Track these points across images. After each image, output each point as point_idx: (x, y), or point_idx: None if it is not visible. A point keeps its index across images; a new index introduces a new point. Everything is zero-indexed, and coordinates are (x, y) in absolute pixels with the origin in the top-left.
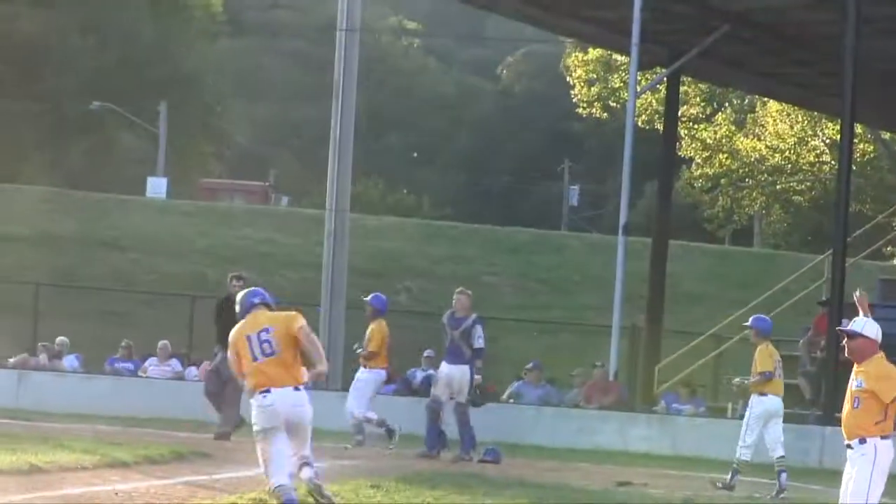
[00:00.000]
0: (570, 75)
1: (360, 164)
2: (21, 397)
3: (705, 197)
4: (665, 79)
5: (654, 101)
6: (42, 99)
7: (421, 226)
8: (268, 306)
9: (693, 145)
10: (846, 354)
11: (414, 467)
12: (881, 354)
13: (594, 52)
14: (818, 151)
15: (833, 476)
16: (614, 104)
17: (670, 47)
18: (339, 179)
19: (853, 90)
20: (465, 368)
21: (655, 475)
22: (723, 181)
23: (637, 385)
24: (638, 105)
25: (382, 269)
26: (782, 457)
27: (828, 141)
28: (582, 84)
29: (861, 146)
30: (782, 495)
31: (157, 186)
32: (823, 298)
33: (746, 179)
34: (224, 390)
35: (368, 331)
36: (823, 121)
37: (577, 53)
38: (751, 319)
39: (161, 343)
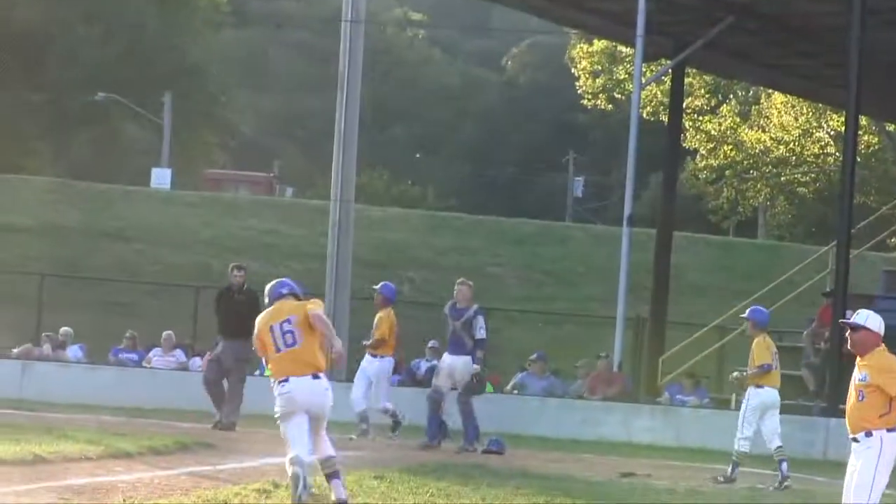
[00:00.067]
0: (575, 67)
1: (365, 156)
2: (25, 388)
3: (710, 188)
4: (670, 70)
5: (658, 92)
6: (46, 89)
7: (425, 217)
8: (296, 297)
9: (698, 137)
10: (849, 347)
11: (417, 458)
12: (883, 347)
13: (599, 44)
14: (823, 143)
15: (837, 468)
16: (619, 95)
17: (675, 39)
18: (344, 170)
19: (858, 82)
20: (468, 359)
21: (659, 466)
22: (727, 173)
23: (641, 376)
24: (643, 96)
25: (387, 260)
26: (780, 447)
27: (832, 133)
28: (587, 75)
29: (866, 138)
30: (786, 483)
31: (161, 177)
32: (827, 290)
33: (751, 171)
34: (227, 380)
35: (376, 318)
36: (828, 112)
37: (582, 45)
38: (748, 311)
39: (165, 334)
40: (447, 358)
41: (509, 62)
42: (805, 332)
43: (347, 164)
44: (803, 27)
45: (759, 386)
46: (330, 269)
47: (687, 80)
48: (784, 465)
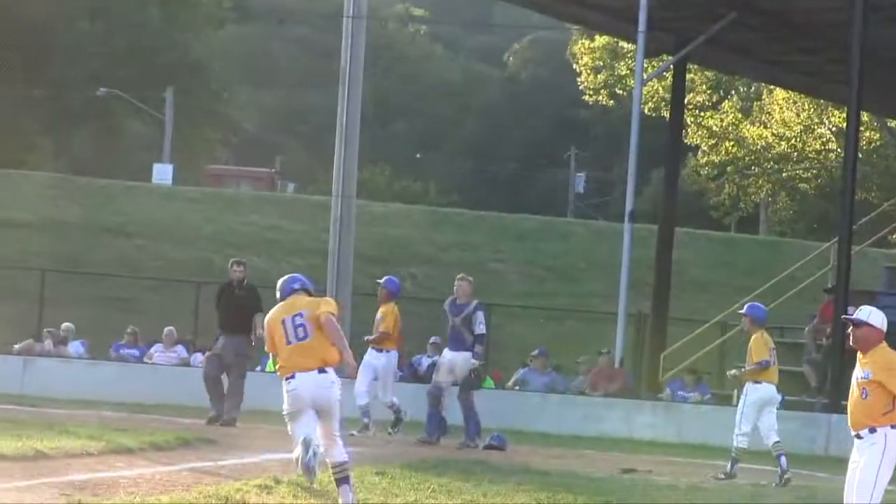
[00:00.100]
0: (577, 62)
1: (367, 151)
2: (26, 383)
3: (711, 184)
4: (671, 66)
5: (660, 88)
6: (48, 85)
7: (427, 212)
8: (307, 292)
9: (699, 133)
10: (851, 343)
11: (418, 454)
12: (885, 344)
13: (601, 40)
14: (824, 139)
15: (839, 463)
16: (621, 91)
17: (677, 35)
18: (346, 166)
19: (860, 78)
20: (468, 355)
21: (660, 462)
22: (729, 169)
23: (643, 372)
24: (644, 92)
25: (388, 256)
26: (778, 442)
27: (834, 129)
28: (588, 71)
29: (867, 134)
30: (786, 477)
31: (162, 173)
32: (829, 286)
33: (752, 167)
34: (228, 376)
35: (380, 313)
36: (830, 108)
37: (583, 41)
38: (745, 307)
39: (167, 329)
40: (447, 354)
41: (511, 58)
42: (806, 329)
43: (349, 160)
44: (805, 23)
45: (757, 382)
46: (331, 264)
47: (688, 76)
48: (783, 460)
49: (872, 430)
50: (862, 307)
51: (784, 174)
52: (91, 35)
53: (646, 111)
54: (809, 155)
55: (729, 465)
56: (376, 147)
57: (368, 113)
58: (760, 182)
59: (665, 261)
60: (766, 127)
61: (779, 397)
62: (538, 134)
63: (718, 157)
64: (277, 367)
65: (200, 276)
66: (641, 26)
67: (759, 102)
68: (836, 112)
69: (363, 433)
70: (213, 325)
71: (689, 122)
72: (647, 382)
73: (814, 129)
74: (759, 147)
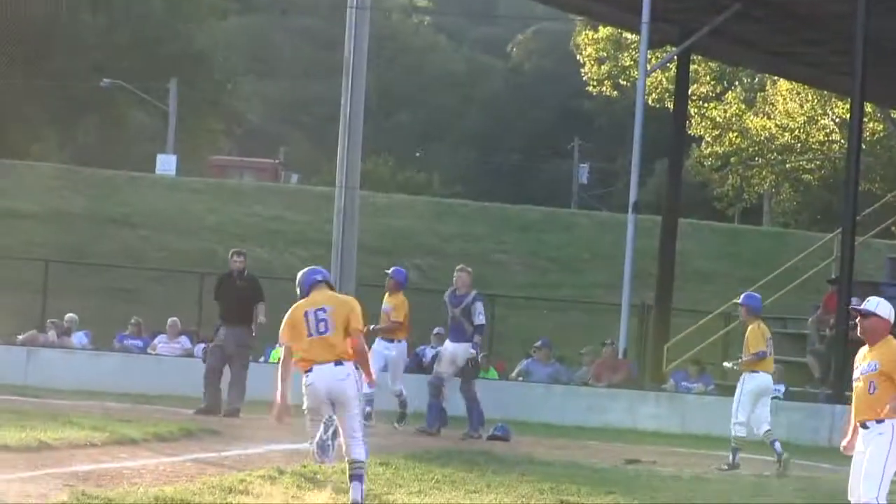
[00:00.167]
0: (581, 53)
1: (370, 142)
2: (30, 374)
3: (715, 175)
4: (675, 57)
5: (664, 79)
6: (52, 76)
7: (431, 203)
8: (329, 285)
9: (703, 124)
10: (859, 334)
11: (422, 445)
12: (891, 336)
13: (604, 31)
14: (828, 130)
15: (842, 454)
16: (624, 82)
17: (681, 25)
18: (349, 157)
19: (863, 69)
20: (469, 346)
21: (664, 453)
22: (732, 160)
23: (646, 363)
24: (648, 83)
25: (392, 247)
26: (769, 430)
27: (837, 120)
28: (592, 62)
29: (871, 125)
30: (784, 456)
31: (166, 163)
32: (832, 277)
33: (756, 158)
34: (230, 367)
35: (391, 304)
36: (833, 100)
37: (587, 31)
38: (742, 297)
39: (170, 320)
40: (449, 345)
41: (514, 49)
42: (810, 319)
43: (353, 151)
44: (809, 14)
45: (753, 371)
46: (335, 255)
47: (692, 67)
48: (777, 445)
49: (879, 421)
50: (870, 298)
51: (787, 165)
52: (94, 26)
53: (649, 102)
54: (813, 146)
55: (731, 456)
56: (380, 138)
57: (372, 104)
58: (764, 173)
59: (668, 252)
60: (769, 118)
61: (773, 387)
62: (542, 125)
63: (722, 148)
64: (296, 359)
65: (204, 267)
66: (645, 17)
67: (762, 93)
68: (839, 103)
69: (366, 421)
70: (216, 316)
71: (693, 113)
72: (651, 373)
73: (817, 120)
74: (762, 138)
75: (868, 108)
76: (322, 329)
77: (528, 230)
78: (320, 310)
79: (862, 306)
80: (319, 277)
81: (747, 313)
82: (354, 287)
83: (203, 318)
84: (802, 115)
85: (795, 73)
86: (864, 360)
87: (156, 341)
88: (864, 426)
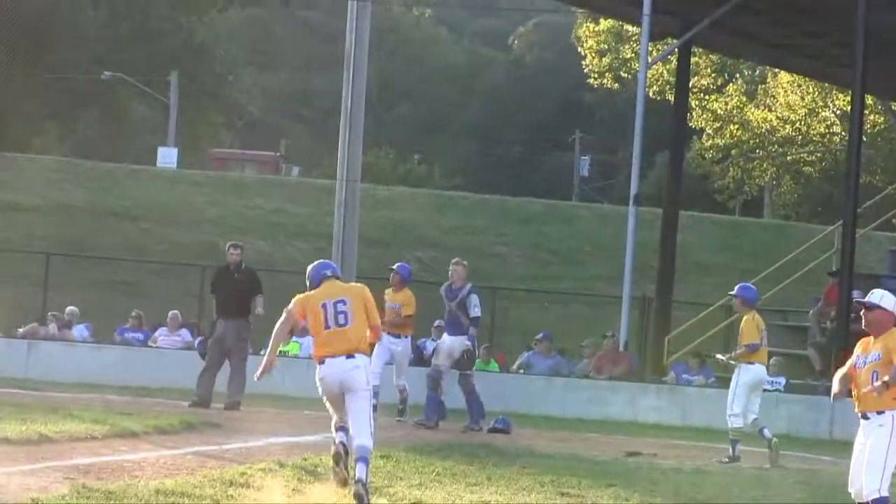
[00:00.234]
0: (582, 46)
1: (371, 135)
2: (31, 367)
3: (716, 168)
4: (676, 49)
5: (665, 71)
6: (53, 69)
7: (432, 196)
8: (338, 278)
9: (704, 116)
10: (864, 326)
11: (423, 437)
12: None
13: (605, 23)
14: (829, 122)
15: (844, 447)
16: (625, 75)
17: (682, 18)
18: (350, 149)
19: (864, 61)
20: (465, 338)
21: (665, 445)
22: (733, 152)
23: (647, 356)
24: (649, 76)
25: (393, 240)
26: (756, 418)
27: (838, 112)
28: (593, 55)
29: (871, 117)
30: (774, 442)
31: (167, 156)
32: (833, 269)
33: (757, 150)
34: (229, 360)
35: (399, 300)
36: (834, 92)
37: (588, 24)
38: (736, 288)
39: (171, 313)
40: (446, 338)
41: (516, 41)
42: (811, 312)
43: (354, 144)
44: (810, 6)
45: (749, 363)
46: (336, 248)
47: (693, 60)
48: (766, 431)
49: (880, 412)
50: (874, 290)
51: (788, 157)
52: (95, 18)
53: (650, 94)
54: (814, 138)
55: (731, 448)
56: (381, 130)
57: (373, 96)
58: (765, 165)
59: (669, 244)
60: (770, 110)
61: (774, 379)
62: (543, 117)
63: (723, 141)
64: (312, 351)
65: (205, 260)
66: (646, 9)
67: (763, 86)
68: (840, 95)
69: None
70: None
71: (694, 106)
72: (652, 366)
73: (818, 113)
74: (763, 130)
75: (869, 100)
76: (342, 322)
77: (528, 223)
78: (339, 302)
79: (866, 299)
80: (329, 272)
81: (742, 304)
82: (354, 280)
83: (204, 311)
84: (803, 107)
85: (796, 66)
86: (867, 352)
87: (157, 334)
88: (865, 417)
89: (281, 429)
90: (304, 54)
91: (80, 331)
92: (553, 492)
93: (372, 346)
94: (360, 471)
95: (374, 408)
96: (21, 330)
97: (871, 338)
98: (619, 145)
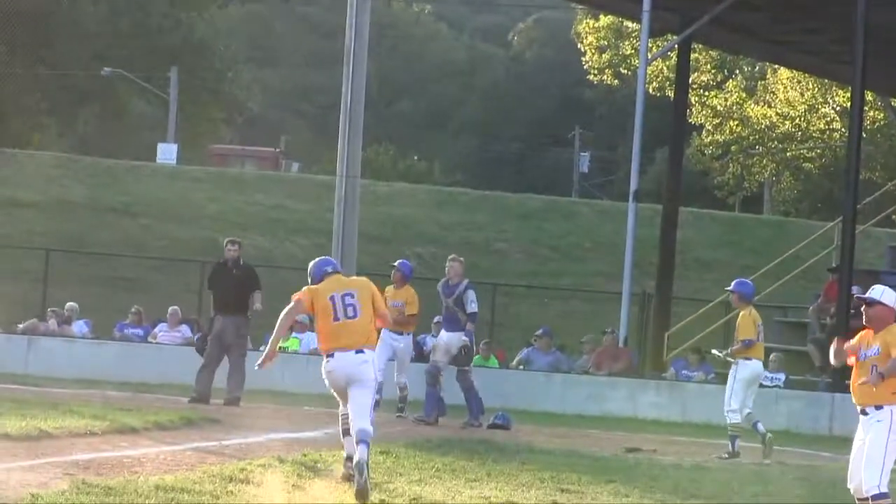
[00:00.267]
0: (582, 42)
1: (371, 131)
2: (30, 363)
3: (716, 164)
4: (676, 46)
5: (665, 68)
6: (53, 65)
7: (432, 192)
8: (339, 274)
9: (704, 112)
10: (864, 322)
11: (422, 433)
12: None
13: (605, 19)
14: (828, 119)
15: (843, 443)
16: (625, 71)
17: (681, 14)
18: (350, 145)
19: (864, 57)
20: (462, 334)
21: (665, 442)
22: (733, 148)
23: (647, 352)
24: (649, 72)
25: (393, 236)
26: (749, 412)
27: (838, 108)
28: (593, 51)
29: (871, 114)
30: (768, 437)
31: (167, 152)
32: (833, 265)
33: (757, 147)
34: (228, 356)
35: (402, 298)
36: (834, 88)
37: (588, 20)
38: (733, 284)
39: (171, 309)
40: (444, 335)
41: (515, 37)
42: (811, 308)
43: (353, 140)
44: (809, 3)
45: (747, 358)
46: (336, 244)
47: (693, 56)
48: (759, 426)
49: (878, 408)
50: (874, 286)
51: (788, 154)
52: (95, 14)
53: (650, 91)
54: (814, 134)
55: (730, 444)
56: (380, 126)
57: (373, 92)
58: (765, 161)
59: (669, 240)
60: (770, 106)
61: (774, 375)
62: (543, 113)
63: (723, 137)
64: (318, 343)
65: (205, 256)
66: (646, 6)
67: (763, 82)
68: (840, 92)
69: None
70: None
71: (694, 102)
72: (652, 362)
73: (818, 109)
74: (763, 126)
75: (868, 96)
76: (351, 314)
77: (528, 219)
78: (347, 294)
79: (866, 295)
80: (330, 269)
81: (739, 300)
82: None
83: (203, 308)
84: (803, 103)
85: (796, 62)
86: (867, 346)
87: (156, 330)
88: (864, 412)
89: (280, 425)
90: (303, 50)
91: (79, 327)
92: (553, 488)
93: (378, 331)
94: (361, 452)
95: (377, 403)
96: (21, 326)
97: (871, 332)
98: (619, 141)
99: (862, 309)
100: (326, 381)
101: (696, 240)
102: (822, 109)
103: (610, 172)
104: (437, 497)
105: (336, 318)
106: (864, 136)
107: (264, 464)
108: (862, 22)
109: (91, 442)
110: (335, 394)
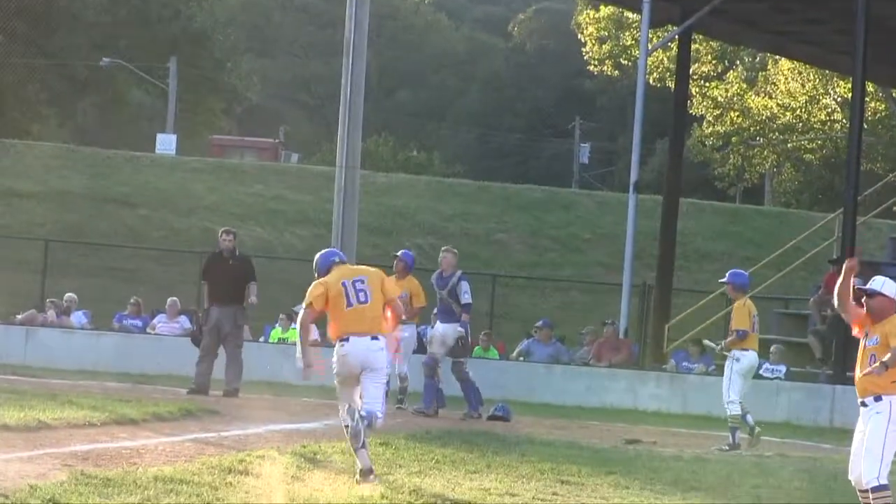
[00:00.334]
0: (582, 33)
1: (371, 121)
2: (29, 353)
3: (716, 155)
4: (677, 36)
5: (665, 58)
6: (52, 55)
7: (431, 183)
8: (346, 263)
9: (704, 103)
10: (865, 313)
11: (422, 425)
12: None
13: (605, 10)
14: (829, 110)
15: (844, 434)
16: (626, 62)
17: (682, 5)
18: (350, 136)
19: (865, 48)
20: (457, 325)
21: (665, 433)
22: (734, 139)
23: (647, 343)
24: (649, 63)
25: (392, 227)
26: (741, 403)
27: (839, 99)
28: (593, 42)
29: (872, 105)
30: (757, 431)
31: (166, 143)
32: (834, 257)
33: (758, 138)
34: (225, 347)
35: (407, 288)
36: (835, 79)
37: (588, 11)
38: (728, 275)
39: (170, 300)
40: (439, 326)
41: (516, 28)
42: (811, 300)
43: (353, 130)
44: None
45: (743, 349)
46: (335, 235)
47: (694, 47)
48: (749, 418)
49: (878, 399)
50: (875, 277)
51: (789, 145)
52: (94, 4)
53: (651, 82)
54: (814, 125)
55: (730, 436)
56: (380, 117)
57: (373, 83)
58: (765, 153)
59: (670, 231)
60: (771, 97)
61: (774, 367)
62: (543, 104)
63: (723, 128)
64: (330, 330)
65: (204, 247)
66: None
67: (764, 73)
68: (841, 83)
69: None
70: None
71: (694, 93)
72: (652, 353)
73: (819, 100)
74: (764, 118)
75: (869, 87)
76: (362, 299)
77: (528, 210)
78: (358, 280)
79: (868, 286)
80: (337, 259)
81: (733, 290)
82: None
83: (202, 298)
84: (804, 94)
85: (797, 53)
86: (868, 336)
87: (155, 321)
88: (864, 404)
89: (279, 416)
90: (303, 40)
91: (78, 317)
92: (552, 479)
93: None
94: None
95: (385, 394)
96: (19, 316)
97: (871, 321)
98: (619, 132)
99: (863, 300)
100: (337, 366)
101: (697, 231)
102: (823, 100)
103: (610, 163)
104: (437, 489)
105: (349, 304)
106: (865, 127)
107: (263, 455)
108: (863, 12)
109: (90, 433)
110: (341, 384)
